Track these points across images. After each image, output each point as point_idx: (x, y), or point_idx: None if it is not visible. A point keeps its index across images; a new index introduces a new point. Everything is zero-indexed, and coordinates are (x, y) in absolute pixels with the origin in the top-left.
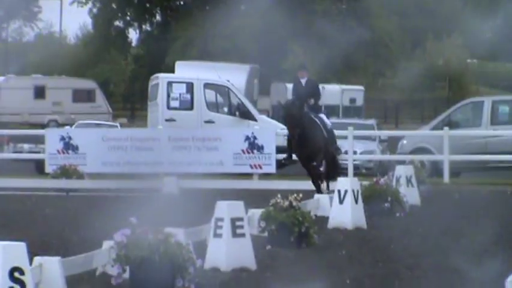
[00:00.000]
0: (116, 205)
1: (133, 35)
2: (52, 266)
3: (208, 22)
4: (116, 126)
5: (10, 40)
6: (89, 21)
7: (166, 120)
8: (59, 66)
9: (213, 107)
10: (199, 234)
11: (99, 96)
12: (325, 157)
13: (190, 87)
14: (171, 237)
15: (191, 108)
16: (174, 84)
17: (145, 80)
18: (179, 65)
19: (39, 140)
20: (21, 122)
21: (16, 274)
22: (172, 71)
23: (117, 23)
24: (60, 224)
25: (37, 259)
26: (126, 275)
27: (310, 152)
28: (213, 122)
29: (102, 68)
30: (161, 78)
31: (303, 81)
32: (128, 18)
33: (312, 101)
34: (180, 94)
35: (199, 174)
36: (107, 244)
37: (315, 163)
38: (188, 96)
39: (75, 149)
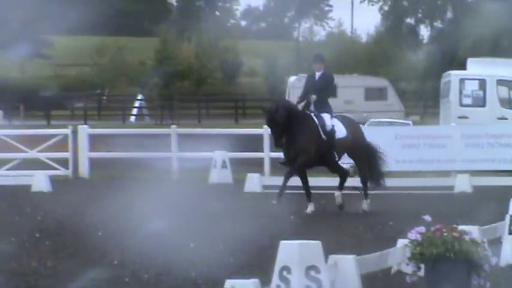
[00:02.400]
0: (410, 203)
1: (424, 32)
2: (347, 264)
3: (497, 18)
4: (409, 124)
5: (301, 39)
6: (380, 19)
7: (459, 117)
8: (351, 64)
9: (506, 103)
10: (494, 232)
11: (391, 94)
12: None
13: (482, 84)
14: (465, 234)
15: (483, 105)
16: (466, 81)
17: (437, 77)
18: (471, 62)
19: None
20: None
21: (312, 273)
22: (464, 68)
23: (408, 20)
24: (354, 222)
25: (332, 257)
26: (421, 273)
27: (296, 153)
28: (506, 119)
29: (394, 65)
30: (453, 76)
31: (318, 74)
32: (420, 15)
33: (314, 97)
34: (472, 91)
35: (493, 172)
36: (401, 242)
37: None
38: (481, 93)
39: None
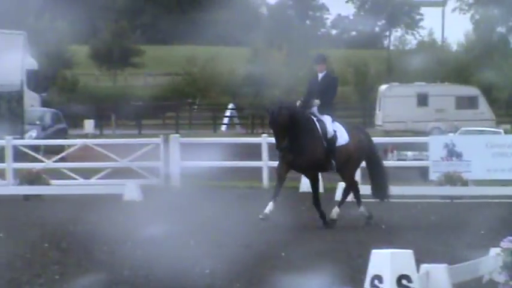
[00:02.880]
0: (502, 212)
1: None
2: (439, 274)
3: None
4: (500, 133)
5: (392, 48)
6: (471, 27)
7: None
8: (442, 73)
9: None
10: None
11: (482, 103)
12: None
13: None
14: None
15: None
16: None
17: None
18: None
19: (423, 147)
20: (404, 130)
21: (404, 281)
22: None
23: (499, 29)
24: (445, 231)
25: (424, 266)
26: None
27: (304, 164)
28: None
29: (485, 74)
30: None
31: (320, 75)
32: (511, 23)
33: (318, 102)
34: None
35: None
36: (493, 251)
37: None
38: None
39: (459, 155)
